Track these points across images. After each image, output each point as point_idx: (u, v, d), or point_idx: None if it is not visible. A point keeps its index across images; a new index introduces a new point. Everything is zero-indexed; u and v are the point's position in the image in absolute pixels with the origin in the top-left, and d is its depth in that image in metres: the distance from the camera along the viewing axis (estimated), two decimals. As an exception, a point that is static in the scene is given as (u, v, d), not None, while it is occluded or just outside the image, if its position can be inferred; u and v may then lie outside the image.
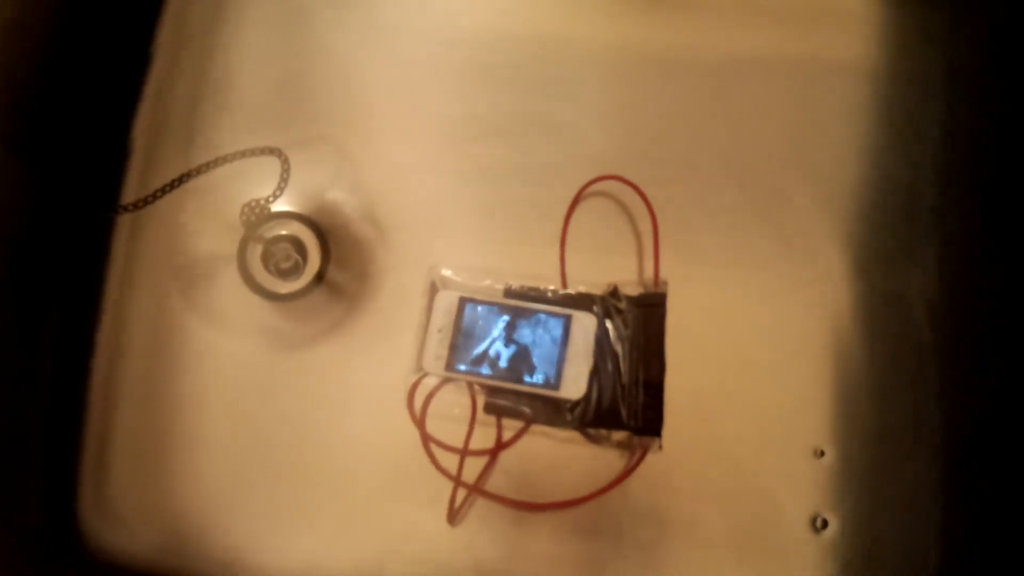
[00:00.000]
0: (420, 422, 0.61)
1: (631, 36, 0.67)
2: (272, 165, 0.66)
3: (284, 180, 0.66)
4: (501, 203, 0.65)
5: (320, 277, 0.64)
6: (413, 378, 0.61)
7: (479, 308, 0.61)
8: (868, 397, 0.61)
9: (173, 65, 0.68)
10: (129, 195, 0.66)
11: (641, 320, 0.60)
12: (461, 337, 0.61)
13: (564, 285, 0.62)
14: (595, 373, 0.59)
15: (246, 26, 0.69)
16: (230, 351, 0.64)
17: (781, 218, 0.64)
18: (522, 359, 0.60)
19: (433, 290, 0.62)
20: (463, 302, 0.61)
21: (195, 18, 0.69)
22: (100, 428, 0.63)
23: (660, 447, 0.59)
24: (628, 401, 0.59)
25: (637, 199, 0.62)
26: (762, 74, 0.66)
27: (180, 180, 0.66)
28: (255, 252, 0.64)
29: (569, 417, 0.59)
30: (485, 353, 0.60)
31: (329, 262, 0.65)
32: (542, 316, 0.60)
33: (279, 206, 0.65)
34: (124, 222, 0.66)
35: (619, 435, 0.59)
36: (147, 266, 0.65)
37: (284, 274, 0.64)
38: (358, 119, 0.67)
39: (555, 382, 0.59)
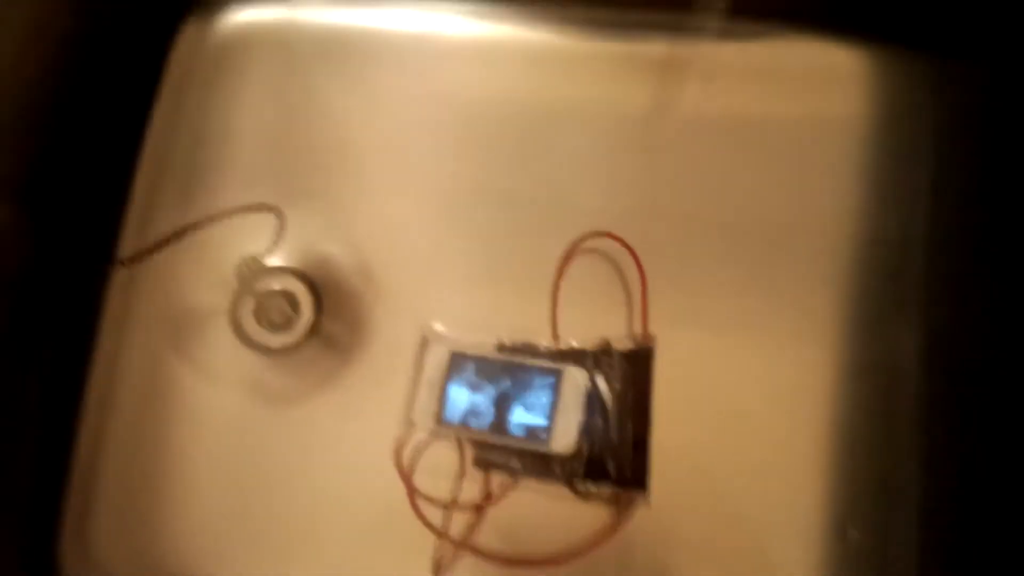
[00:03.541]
0: (407, 476, 0.60)
1: (624, 97, 0.68)
2: (268, 220, 0.67)
3: (279, 236, 0.66)
4: (493, 259, 0.66)
5: (313, 331, 0.64)
6: (402, 432, 0.61)
7: (470, 363, 0.61)
8: (857, 451, 0.61)
9: (173, 119, 0.69)
10: (127, 246, 0.66)
11: (630, 375, 0.60)
12: (451, 391, 0.61)
13: (556, 340, 0.62)
14: (585, 428, 0.59)
15: (246, 83, 0.70)
16: (220, 404, 0.64)
17: (772, 276, 0.64)
18: (512, 414, 0.60)
19: (424, 344, 0.62)
20: (454, 357, 0.62)
21: (196, 73, 0.70)
22: (86, 478, 0.63)
23: (647, 502, 0.58)
24: (616, 456, 0.59)
25: (628, 256, 0.63)
26: (753, 133, 0.67)
27: (178, 234, 0.66)
28: (248, 306, 0.65)
29: (558, 473, 0.59)
30: (475, 408, 0.60)
31: (322, 317, 0.65)
32: (533, 371, 0.61)
33: (274, 261, 0.66)
34: (120, 273, 0.66)
35: (607, 490, 0.59)
36: (141, 317, 0.65)
37: (277, 328, 0.64)
38: (353, 176, 0.68)
39: (545, 437, 0.59)
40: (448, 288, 0.65)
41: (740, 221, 0.65)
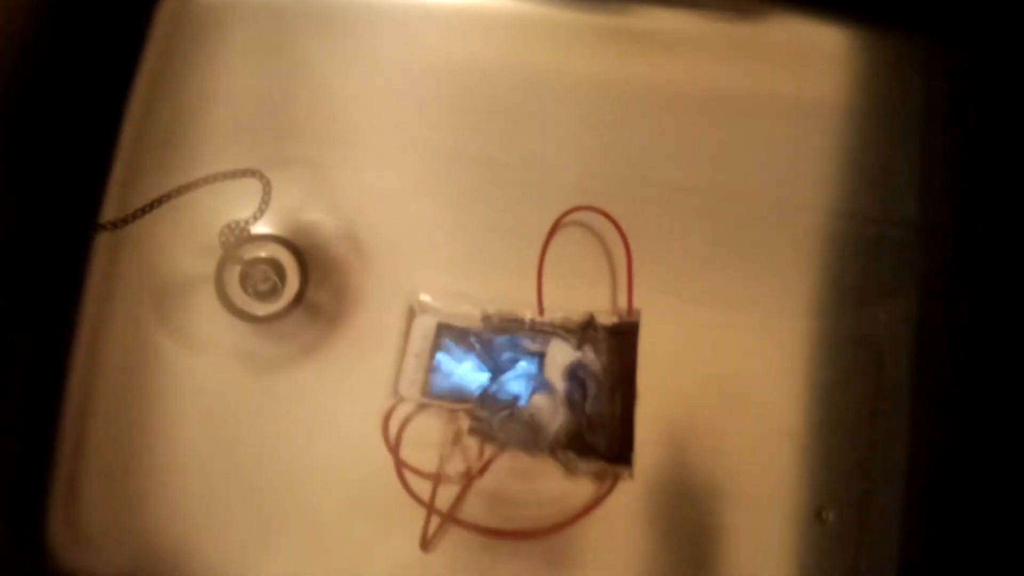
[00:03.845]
0: (394, 448, 0.60)
1: (610, 70, 0.68)
2: (253, 186, 0.66)
3: (265, 202, 0.66)
4: (479, 230, 0.66)
5: (298, 299, 0.64)
6: (389, 403, 0.61)
7: (456, 334, 0.61)
8: (838, 431, 0.62)
9: (157, 83, 0.68)
10: (109, 213, 0.65)
11: (615, 349, 0.61)
12: (438, 362, 0.61)
13: (541, 313, 0.62)
14: (569, 401, 0.60)
15: (230, 47, 0.69)
16: (205, 372, 0.64)
17: (755, 252, 0.65)
18: (498, 386, 0.60)
19: (411, 315, 0.62)
20: (440, 328, 0.62)
21: (180, 36, 0.69)
22: (72, 448, 0.63)
23: (631, 476, 0.59)
24: (600, 430, 0.59)
25: (613, 229, 0.63)
26: (738, 110, 0.67)
27: (161, 200, 0.65)
28: (233, 274, 0.64)
29: (544, 444, 0.59)
30: (461, 379, 0.60)
31: (308, 285, 0.65)
32: (518, 343, 0.61)
33: (259, 228, 0.65)
34: (103, 240, 0.65)
35: (592, 464, 0.59)
36: (124, 285, 0.65)
37: (262, 296, 0.64)
38: (339, 143, 0.67)
39: (530, 409, 0.59)
40: (434, 258, 0.65)
41: (724, 197, 0.66)
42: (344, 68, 0.68)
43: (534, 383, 0.60)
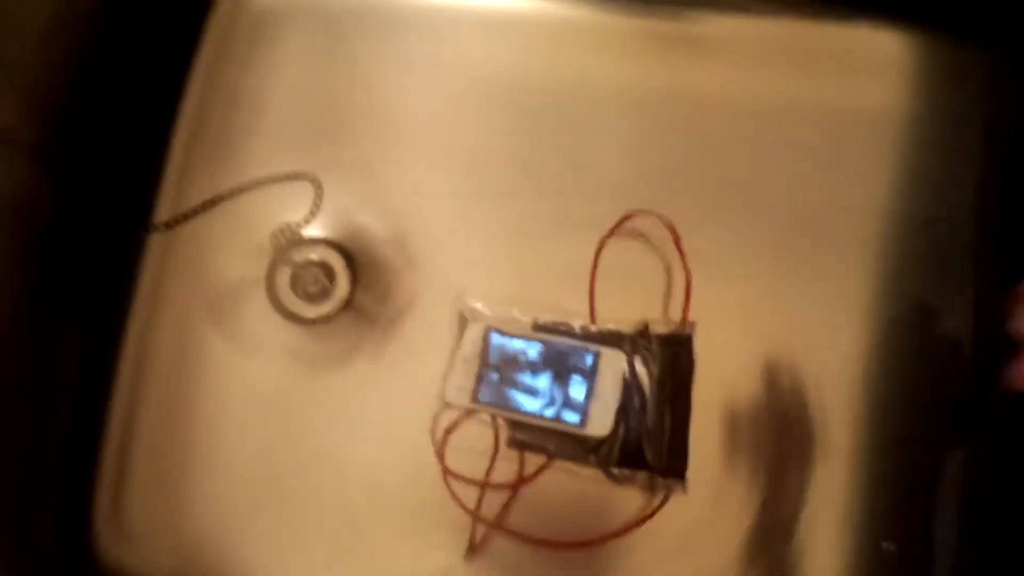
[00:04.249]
0: (441, 454, 0.60)
1: (662, 75, 0.67)
2: (304, 188, 0.66)
3: (316, 205, 0.66)
4: (528, 235, 0.65)
5: (347, 302, 0.64)
6: (436, 408, 0.61)
7: (506, 340, 0.60)
8: (898, 443, 0.61)
9: (210, 84, 0.68)
10: (163, 213, 0.66)
11: (669, 360, 0.60)
12: (487, 369, 0.60)
13: (593, 321, 0.61)
14: (621, 412, 0.59)
15: (283, 49, 0.69)
16: (253, 374, 0.64)
17: (812, 262, 0.63)
18: (548, 394, 0.59)
19: (461, 320, 0.62)
20: (490, 333, 0.61)
21: (233, 39, 0.69)
22: (119, 445, 0.63)
23: (684, 491, 0.57)
24: (653, 442, 0.58)
25: (665, 236, 0.62)
26: (794, 115, 0.65)
27: (214, 201, 0.66)
28: (284, 276, 0.64)
29: (593, 458, 0.58)
30: (511, 386, 0.60)
31: (357, 288, 0.64)
32: (570, 351, 0.60)
33: (309, 230, 0.65)
34: (155, 241, 0.65)
35: (643, 476, 0.58)
36: (175, 285, 0.65)
37: (312, 298, 0.64)
38: (390, 146, 0.67)
39: (581, 419, 0.58)
40: (483, 263, 0.65)
41: (778, 205, 0.64)
42: (395, 71, 0.68)
43: (585, 392, 0.59)
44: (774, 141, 0.65)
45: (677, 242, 0.61)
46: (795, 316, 0.62)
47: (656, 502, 0.58)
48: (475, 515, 0.59)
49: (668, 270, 0.63)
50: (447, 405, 0.60)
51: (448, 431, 0.61)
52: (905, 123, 0.65)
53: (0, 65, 0.55)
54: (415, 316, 0.64)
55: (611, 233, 0.63)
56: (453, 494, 0.59)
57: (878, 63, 0.66)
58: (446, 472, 0.59)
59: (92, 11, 0.61)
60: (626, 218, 0.62)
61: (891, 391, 0.61)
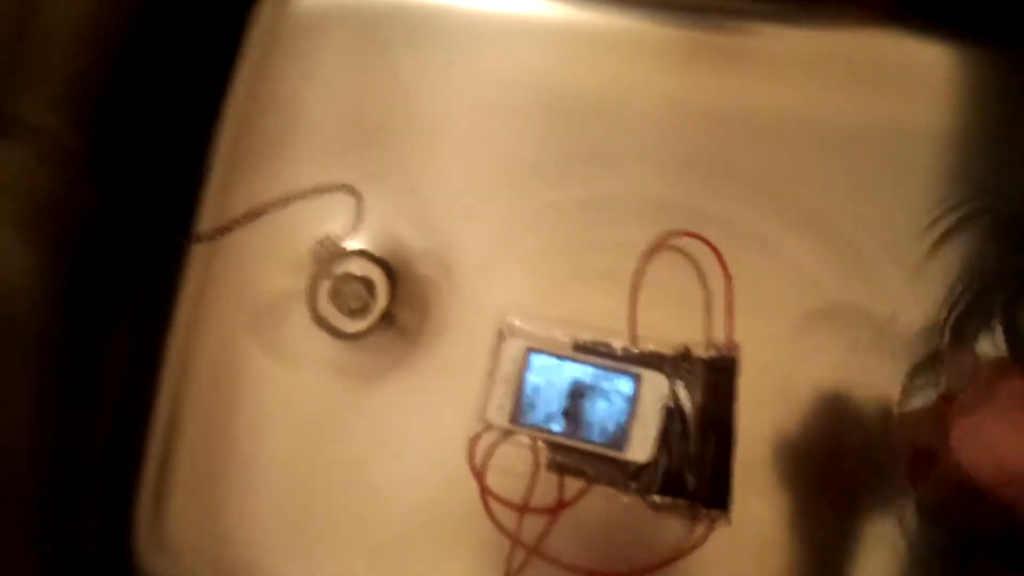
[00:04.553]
0: (480, 475, 0.59)
1: (706, 88, 0.66)
2: (345, 201, 0.65)
3: (358, 218, 0.65)
4: (570, 251, 0.64)
5: (387, 318, 0.63)
6: (475, 429, 0.60)
7: (547, 360, 0.59)
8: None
9: (252, 95, 0.68)
10: (205, 224, 0.66)
11: (712, 384, 0.58)
12: (527, 389, 0.59)
13: (635, 343, 0.60)
14: (663, 437, 0.57)
15: (325, 60, 0.68)
16: (294, 387, 0.64)
17: (860, 282, 0.62)
18: (589, 417, 0.58)
19: (500, 338, 0.61)
20: (531, 353, 0.60)
21: (275, 49, 0.69)
22: (160, 457, 0.63)
23: (728, 522, 0.56)
24: (695, 470, 0.57)
25: (707, 254, 0.61)
26: (840, 130, 0.64)
27: (256, 212, 0.65)
28: (324, 289, 0.64)
29: (634, 484, 0.57)
30: (551, 408, 0.59)
31: (397, 303, 0.64)
32: (611, 374, 0.59)
33: (350, 243, 0.65)
34: (199, 250, 0.65)
35: (684, 505, 0.57)
36: (217, 296, 0.65)
37: (352, 313, 0.63)
38: (431, 157, 0.66)
39: (621, 443, 0.57)
40: (523, 279, 0.64)
41: (826, 223, 0.63)
42: (438, 81, 0.67)
43: (626, 416, 0.58)
44: (819, 157, 0.64)
45: (722, 263, 0.60)
46: (842, 337, 0.61)
47: (698, 533, 0.57)
48: (515, 539, 0.58)
49: (710, 290, 0.61)
50: (487, 425, 0.60)
51: (487, 452, 0.60)
52: (954, 138, 0.64)
53: (42, 74, 0.55)
54: (454, 332, 0.63)
55: (652, 252, 0.62)
56: (493, 517, 0.58)
57: (925, 77, 0.65)
58: (485, 493, 0.59)
59: (133, 18, 0.61)
60: (667, 236, 0.62)
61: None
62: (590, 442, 0.58)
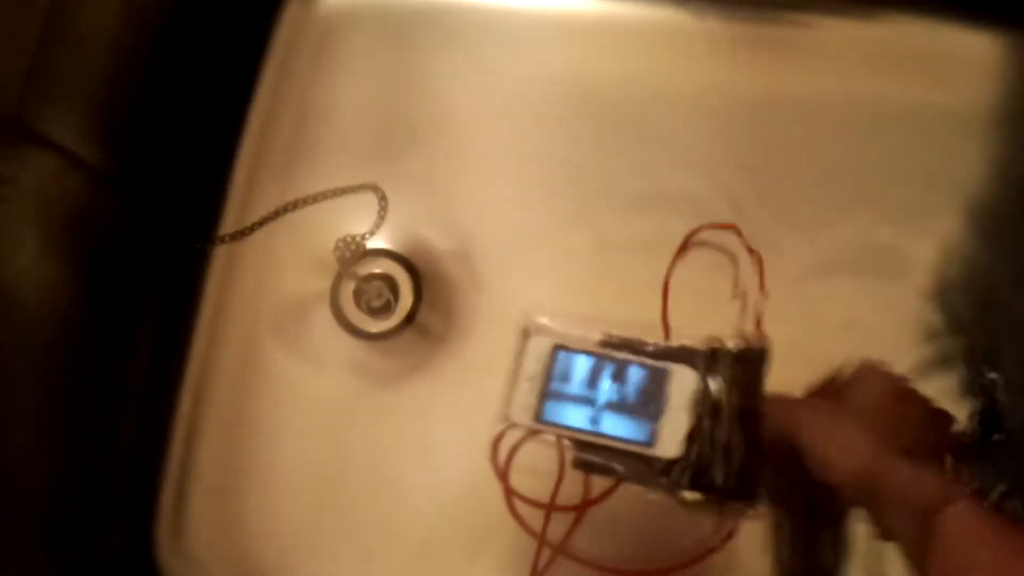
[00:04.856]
0: (504, 475, 0.58)
1: (734, 79, 0.65)
2: (369, 201, 0.65)
3: (381, 217, 0.65)
4: (598, 247, 0.63)
5: (411, 318, 0.63)
6: (499, 427, 0.59)
7: (573, 357, 0.58)
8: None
9: (279, 92, 0.68)
10: (229, 225, 0.65)
11: (741, 377, 0.56)
12: (552, 387, 0.58)
13: (667, 336, 0.59)
14: (693, 432, 0.56)
15: (351, 59, 0.68)
16: (316, 389, 0.63)
17: (890, 272, 0.61)
18: (616, 413, 0.56)
19: (525, 336, 0.60)
20: (556, 350, 0.58)
21: (301, 50, 0.69)
22: (181, 460, 0.62)
23: (758, 515, 0.54)
24: (726, 465, 0.55)
25: (737, 246, 0.60)
26: (874, 119, 0.64)
27: (278, 213, 0.65)
28: (348, 289, 0.63)
29: (663, 479, 0.55)
30: (577, 405, 0.57)
31: (421, 303, 0.63)
32: (639, 369, 0.57)
33: (374, 243, 0.64)
34: (220, 253, 0.65)
35: (714, 500, 0.55)
36: (240, 297, 0.65)
37: (375, 313, 0.63)
38: (456, 156, 0.66)
39: (650, 439, 0.55)
40: (550, 276, 0.64)
41: (859, 212, 0.62)
42: (463, 79, 0.67)
43: (655, 412, 0.56)
44: (852, 146, 0.63)
45: (752, 254, 0.59)
46: (872, 327, 0.60)
47: (728, 527, 0.55)
48: (540, 538, 0.56)
49: (740, 282, 0.60)
50: (511, 424, 0.58)
51: (511, 451, 0.59)
52: (997, 126, 0.63)
53: (68, 83, 0.55)
54: (480, 332, 0.63)
55: (683, 247, 0.60)
56: (517, 517, 0.57)
57: (969, 64, 0.64)
58: (509, 493, 0.57)
59: (161, 23, 0.62)
60: (699, 230, 0.61)
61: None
62: (617, 439, 0.56)
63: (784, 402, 0.49)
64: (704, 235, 0.61)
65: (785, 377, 0.56)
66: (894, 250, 0.61)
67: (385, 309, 0.63)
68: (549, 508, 0.57)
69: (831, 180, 0.63)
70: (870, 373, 0.47)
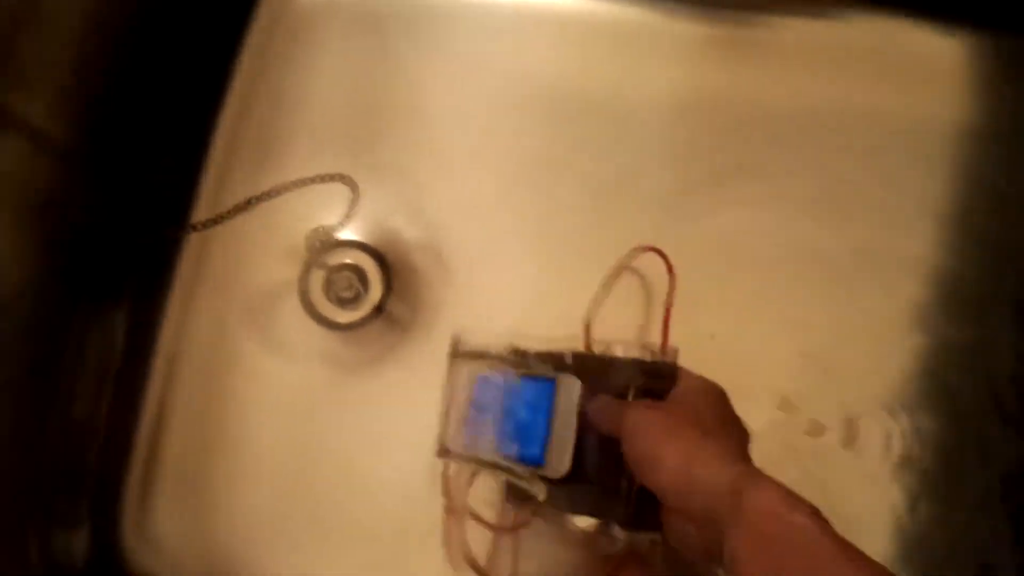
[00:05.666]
0: (448, 493, 0.58)
1: (715, 82, 0.65)
2: (341, 191, 0.65)
3: (352, 208, 0.64)
4: (565, 245, 0.64)
5: (380, 309, 0.63)
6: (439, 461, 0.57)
7: (490, 381, 0.55)
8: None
9: (254, 81, 0.68)
10: (201, 214, 0.66)
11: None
12: (473, 415, 0.55)
13: (586, 348, 0.57)
14: (579, 448, 0.49)
15: (326, 51, 0.68)
16: (285, 378, 0.64)
17: (866, 278, 0.60)
18: (514, 432, 0.52)
19: (451, 358, 0.58)
20: (478, 376, 0.55)
21: (279, 37, 0.68)
22: (148, 451, 0.64)
23: (661, 546, 0.48)
24: (620, 488, 0.46)
25: (687, 258, 0.58)
26: (845, 122, 0.63)
27: (250, 202, 0.66)
28: (317, 279, 0.64)
29: (563, 503, 0.50)
30: (481, 428, 0.54)
31: (390, 294, 0.63)
32: (532, 383, 0.52)
33: (345, 234, 0.65)
34: (193, 239, 0.66)
35: (619, 531, 0.51)
36: (210, 286, 0.65)
37: (344, 303, 0.64)
38: (429, 150, 0.66)
39: (541, 458, 0.50)
40: (517, 271, 0.63)
41: (830, 218, 0.61)
42: (438, 72, 0.66)
43: (545, 427, 0.50)
44: (827, 150, 0.63)
45: (670, 269, 0.58)
46: (843, 336, 0.60)
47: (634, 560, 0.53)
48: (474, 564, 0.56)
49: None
50: (446, 452, 0.57)
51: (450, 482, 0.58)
52: (967, 131, 0.62)
53: (40, 65, 0.56)
54: (446, 324, 0.62)
55: (618, 270, 0.61)
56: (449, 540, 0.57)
57: (940, 67, 0.64)
58: (450, 514, 0.58)
59: (135, 8, 0.62)
60: (629, 257, 0.60)
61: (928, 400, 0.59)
62: (514, 462, 0.51)
63: (610, 404, 0.47)
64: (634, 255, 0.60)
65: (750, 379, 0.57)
66: (867, 253, 0.61)
67: (354, 299, 0.63)
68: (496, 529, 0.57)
69: (800, 183, 0.62)
70: (689, 377, 0.48)
